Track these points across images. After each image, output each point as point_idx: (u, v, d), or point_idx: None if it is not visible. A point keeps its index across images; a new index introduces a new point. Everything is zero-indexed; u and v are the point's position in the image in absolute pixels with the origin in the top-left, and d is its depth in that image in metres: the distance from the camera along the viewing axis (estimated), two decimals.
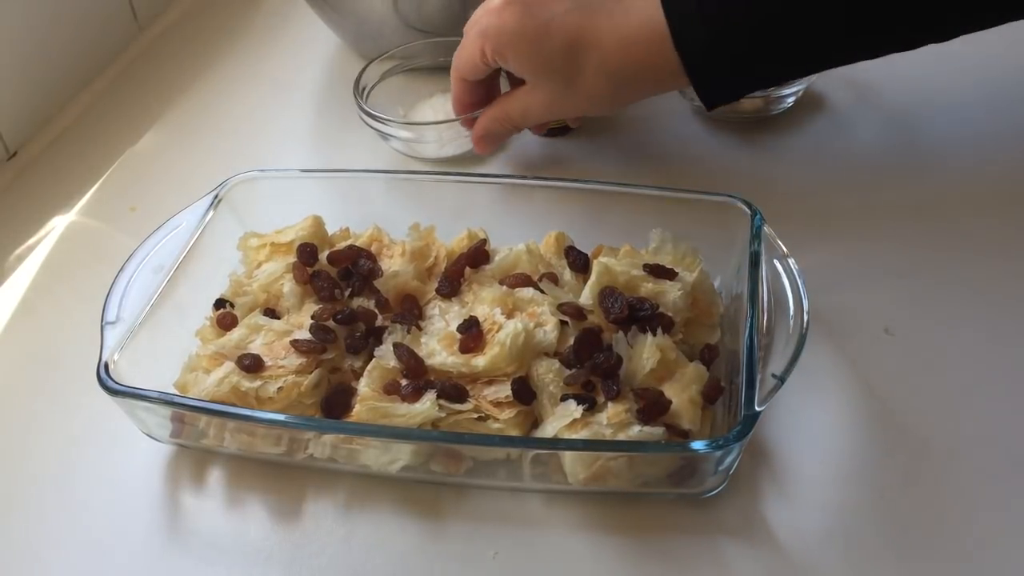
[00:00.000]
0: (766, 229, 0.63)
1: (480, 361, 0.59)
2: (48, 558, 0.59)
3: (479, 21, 0.71)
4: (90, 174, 0.88)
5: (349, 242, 0.70)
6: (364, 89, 0.87)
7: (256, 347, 0.62)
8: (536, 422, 0.59)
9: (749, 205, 0.65)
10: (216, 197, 0.70)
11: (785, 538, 0.56)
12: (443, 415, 0.57)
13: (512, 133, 0.78)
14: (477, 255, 0.67)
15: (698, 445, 0.53)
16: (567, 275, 0.66)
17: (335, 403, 0.60)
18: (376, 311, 0.64)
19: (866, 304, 0.69)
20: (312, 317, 0.63)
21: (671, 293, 0.62)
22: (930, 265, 0.72)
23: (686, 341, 0.62)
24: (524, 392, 0.58)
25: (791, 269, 0.61)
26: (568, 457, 0.56)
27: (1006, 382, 0.64)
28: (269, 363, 0.61)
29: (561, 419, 0.56)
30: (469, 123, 0.79)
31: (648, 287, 0.62)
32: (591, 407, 0.57)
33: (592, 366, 0.58)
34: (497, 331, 0.60)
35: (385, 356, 0.61)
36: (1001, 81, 0.90)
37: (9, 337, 0.73)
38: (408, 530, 0.58)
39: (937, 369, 0.65)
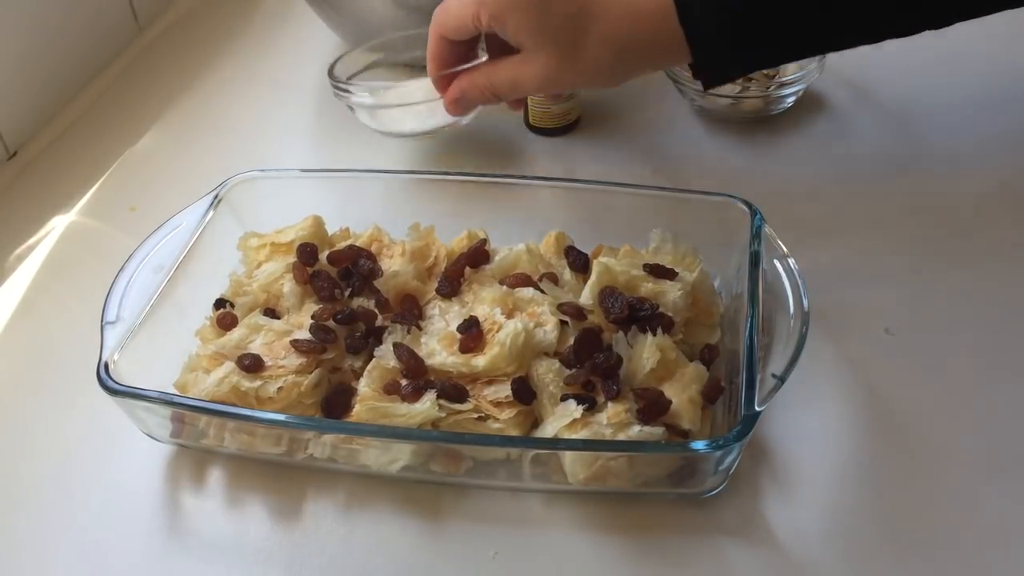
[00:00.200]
0: (766, 229, 0.63)
1: (480, 361, 0.59)
2: (48, 558, 0.59)
3: None
4: (90, 174, 0.88)
5: (349, 242, 0.70)
6: (342, 73, 0.84)
7: (256, 347, 0.62)
8: (536, 422, 0.59)
9: (749, 205, 0.65)
10: (216, 197, 0.70)
11: (785, 538, 0.56)
12: (443, 415, 0.57)
13: (492, 103, 0.75)
14: (477, 255, 0.67)
15: (698, 445, 0.53)
16: (567, 275, 0.66)
17: (335, 403, 0.60)
18: (376, 311, 0.64)
19: (866, 304, 0.69)
20: (312, 317, 0.63)
21: (671, 293, 0.62)
22: (930, 265, 0.72)
23: (686, 341, 0.62)
24: (524, 392, 0.58)
25: (791, 269, 0.61)
26: (568, 457, 0.56)
27: (1006, 382, 0.64)
28: (269, 363, 0.61)
29: (561, 419, 0.56)
30: (444, 83, 0.75)
31: (648, 287, 0.62)
32: (591, 407, 0.57)
33: (592, 366, 0.58)
34: (497, 331, 0.60)
35: (385, 356, 0.61)
36: (1001, 81, 0.90)
37: (9, 337, 0.73)
38: (408, 530, 0.58)
39: (937, 369, 0.65)
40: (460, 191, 0.72)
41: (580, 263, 0.65)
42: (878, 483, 0.59)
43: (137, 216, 0.83)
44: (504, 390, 0.58)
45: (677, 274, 0.63)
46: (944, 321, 0.68)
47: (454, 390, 0.58)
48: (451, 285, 0.66)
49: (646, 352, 0.58)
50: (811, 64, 0.85)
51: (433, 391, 0.58)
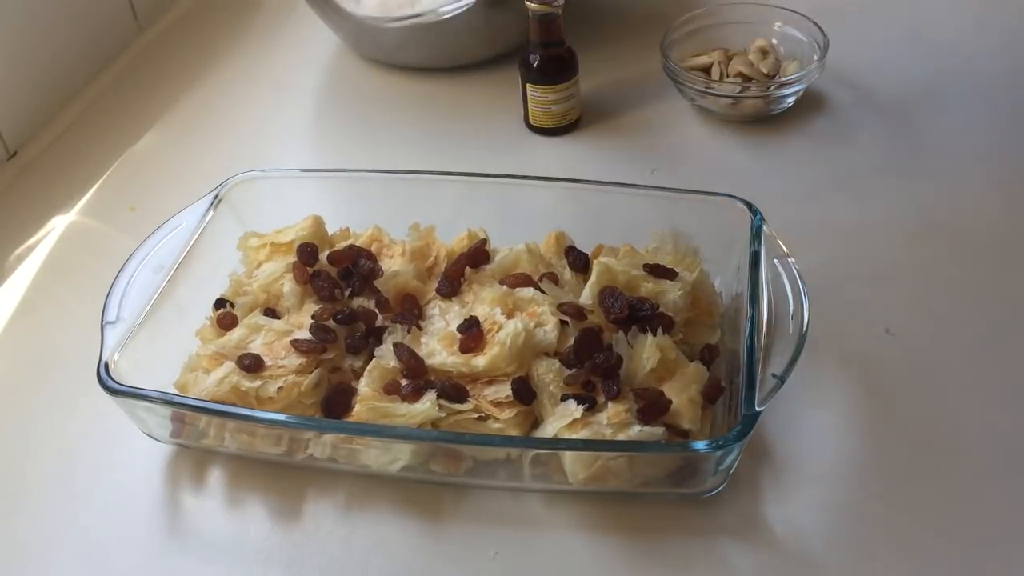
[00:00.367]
0: (766, 229, 0.63)
1: (480, 361, 0.59)
2: (49, 557, 0.59)
3: None
4: (90, 174, 0.88)
5: (349, 242, 0.70)
6: None
7: (256, 347, 0.62)
8: (536, 422, 0.59)
9: (749, 205, 0.65)
10: (216, 197, 0.70)
11: (785, 538, 0.56)
12: (443, 415, 0.57)
13: None
14: (477, 255, 0.67)
15: (698, 445, 0.53)
16: (567, 275, 0.66)
17: (335, 403, 0.60)
18: (376, 311, 0.64)
19: (866, 304, 0.69)
20: (312, 317, 0.63)
21: (671, 293, 0.62)
22: (930, 265, 0.72)
23: (686, 341, 0.62)
24: (524, 392, 0.58)
25: (791, 269, 0.61)
26: (568, 457, 0.56)
27: (1006, 382, 0.64)
28: (269, 363, 0.61)
29: (561, 419, 0.56)
30: None
31: (648, 287, 0.62)
32: (591, 407, 0.57)
33: (592, 366, 0.58)
34: (497, 331, 0.60)
35: (385, 356, 0.61)
36: (1001, 81, 0.90)
37: (9, 337, 0.73)
38: (408, 530, 0.58)
39: (937, 369, 0.65)
40: (460, 191, 0.72)
41: (580, 263, 0.65)
42: (878, 483, 0.59)
43: (137, 216, 0.83)
44: (504, 390, 0.58)
45: (677, 274, 0.63)
46: (944, 321, 0.68)
47: (454, 390, 0.58)
48: (451, 285, 0.66)
49: (646, 352, 0.58)
50: (811, 64, 0.85)
51: (433, 391, 0.58)
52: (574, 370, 0.59)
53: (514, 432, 0.58)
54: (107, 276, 0.64)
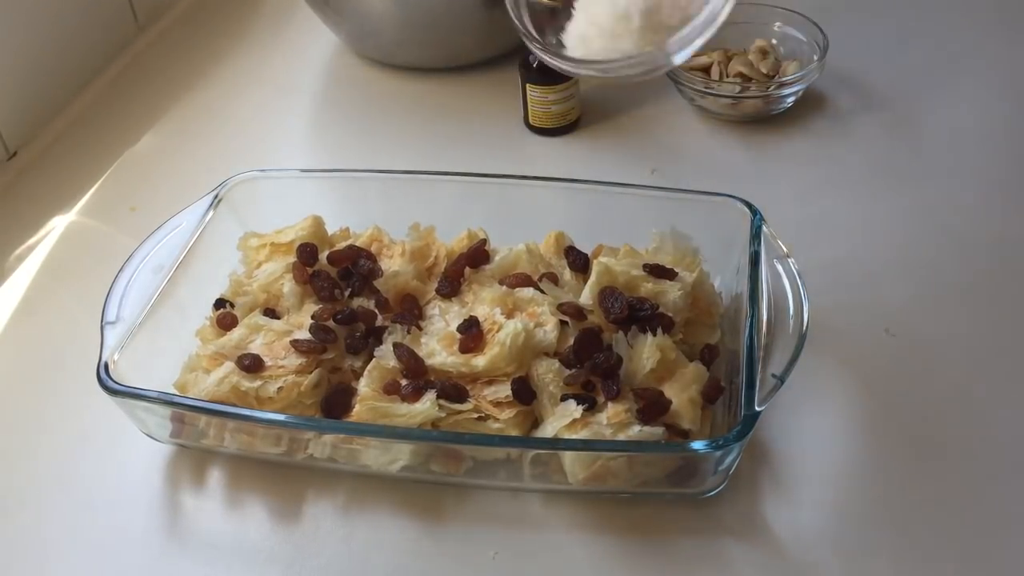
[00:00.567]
0: (766, 229, 0.63)
1: (480, 361, 0.59)
2: (48, 557, 0.59)
3: None
4: (90, 174, 0.88)
5: (349, 242, 0.70)
6: None
7: (256, 347, 0.62)
8: (536, 422, 0.59)
9: (749, 205, 0.65)
10: (216, 197, 0.70)
11: (785, 538, 0.56)
12: (443, 415, 0.57)
13: None
14: (477, 255, 0.67)
15: (698, 445, 0.53)
16: (567, 275, 0.66)
17: (335, 403, 0.60)
18: (376, 311, 0.64)
19: (866, 304, 0.69)
20: (312, 317, 0.63)
21: (671, 293, 0.62)
22: (930, 265, 0.72)
23: (686, 341, 0.62)
24: (524, 392, 0.58)
25: (791, 269, 0.61)
26: (568, 457, 0.56)
27: (1006, 382, 0.64)
28: (269, 363, 0.61)
29: (561, 419, 0.56)
30: None
31: (648, 287, 0.62)
32: (591, 407, 0.57)
33: (592, 366, 0.58)
34: (497, 331, 0.60)
35: (385, 356, 0.61)
36: (1001, 81, 0.90)
37: (9, 337, 0.73)
38: (408, 530, 0.58)
39: (937, 369, 0.65)
40: (460, 191, 0.72)
41: (580, 263, 0.65)
42: (878, 483, 0.59)
43: (137, 216, 0.83)
44: (504, 390, 0.58)
45: (677, 274, 0.63)
46: (944, 321, 0.68)
47: (454, 390, 0.58)
48: (451, 285, 0.66)
49: (646, 352, 0.58)
50: (811, 64, 0.85)
51: (433, 391, 0.58)
52: (574, 370, 0.59)
53: (514, 432, 0.58)
54: (107, 276, 0.64)
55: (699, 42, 0.61)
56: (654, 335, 0.59)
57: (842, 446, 0.61)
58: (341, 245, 0.69)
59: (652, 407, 0.56)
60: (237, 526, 0.59)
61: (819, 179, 0.81)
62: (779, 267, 0.62)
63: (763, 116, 0.87)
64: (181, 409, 0.58)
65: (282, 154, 0.90)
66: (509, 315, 0.62)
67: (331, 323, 0.62)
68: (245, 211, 0.72)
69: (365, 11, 0.93)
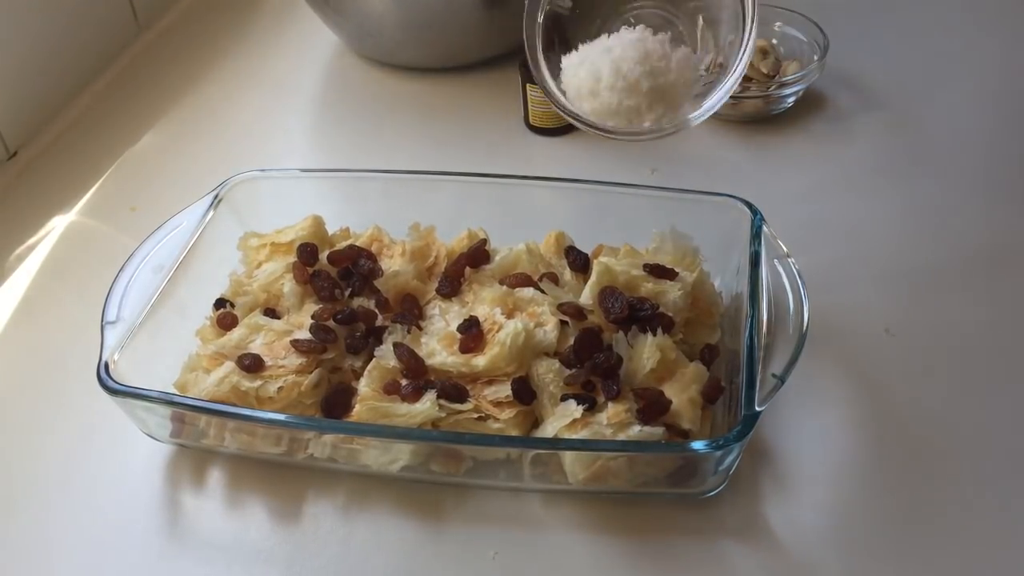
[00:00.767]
0: (766, 229, 0.63)
1: (480, 361, 0.59)
2: (49, 557, 0.59)
3: None
4: (90, 174, 0.88)
5: (349, 242, 0.70)
6: None
7: (256, 347, 0.62)
8: (536, 422, 0.59)
9: (749, 205, 0.65)
10: (216, 197, 0.70)
11: (785, 538, 0.56)
12: (443, 415, 0.57)
13: None
14: (477, 255, 0.67)
15: (698, 445, 0.53)
16: (567, 275, 0.66)
17: (335, 403, 0.60)
18: (376, 311, 0.64)
19: (866, 304, 0.69)
20: (312, 317, 0.63)
21: (671, 293, 0.62)
22: (930, 265, 0.72)
23: (686, 341, 0.62)
24: (524, 392, 0.58)
25: (791, 269, 0.61)
26: (568, 457, 0.56)
27: (1006, 382, 0.64)
28: (269, 363, 0.61)
29: (561, 419, 0.56)
30: None
31: (648, 287, 0.62)
32: (591, 407, 0.57)
33: (592, 366, 0.58)
34: (497, 331, 0.60)
35: (385, 356, 0.61)
36: (1000, 80, 0.90)
37: (9, 337, 0.73)
38: (408, 530, 0.58)
39: (937, 369, 0.65)
40: (460, 191, 0.72)
41: (580, 263, 0.65)
42: (878, 483, 0.59)
43: (137, 216, 0.83)
44: (504, 390, 0.58)
45: (677, 274, 0.63)
46: (944, 321, 0.68)
47: (454, 390, 0.58)
48: (451, 285, 0.66)
49: (646, 352, 0.58)
50: (811, 64, 0.85)
51: (433, 391, 0.58)
52: (574, 370, 0.59)
53: (514, 432, 0.58)
54: (107, 276, 0.64)
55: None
56: (654, 335, 0.59)
57: (842, 446, 0.61)
58: (341, 245, 0.69)
59: (652, 407, 0.56)
60: (237, 526, 0.59)
61: (819, 179, 0.81)
62: (779, 267, 0.62)
63: (763, 116, 0.87)
64: (181, 409, 0.58)
65: (282, 154, 0.90)
66: (509, 315, 0.62)
67: (331, 323, 0.62)
68: (245, 211, 0.72)
69: (365, 11, 0.93)
